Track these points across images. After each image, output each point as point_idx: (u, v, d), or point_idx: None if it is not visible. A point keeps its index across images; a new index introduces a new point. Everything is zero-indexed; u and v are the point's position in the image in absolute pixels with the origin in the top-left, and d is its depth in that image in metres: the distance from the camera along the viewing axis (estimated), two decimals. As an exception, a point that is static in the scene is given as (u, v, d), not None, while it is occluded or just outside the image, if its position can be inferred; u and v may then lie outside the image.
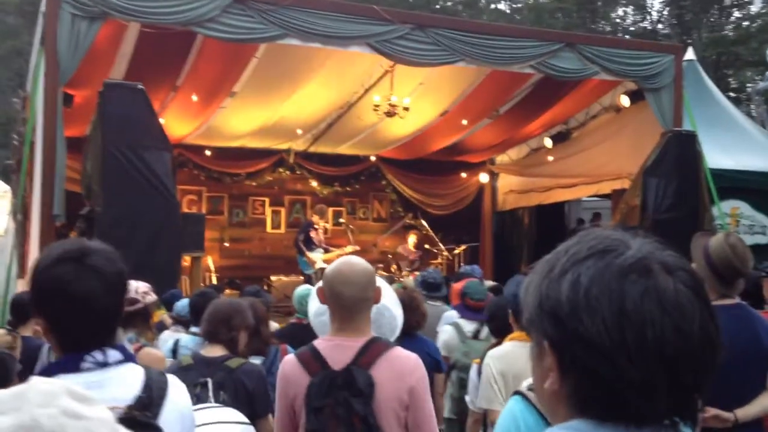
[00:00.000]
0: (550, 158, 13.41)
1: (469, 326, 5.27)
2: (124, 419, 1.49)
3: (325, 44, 8.72)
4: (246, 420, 2.81)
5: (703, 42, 26.66)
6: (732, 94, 24.68)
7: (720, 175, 10.18)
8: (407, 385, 2.59)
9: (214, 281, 11.93)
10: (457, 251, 13.53)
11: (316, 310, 3.61)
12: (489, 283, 7.96)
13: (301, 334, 4.72)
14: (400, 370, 2.61)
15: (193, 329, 4.75)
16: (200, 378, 3.19)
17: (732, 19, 29.60)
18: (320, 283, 2.80)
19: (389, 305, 3.13)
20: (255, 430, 2.96)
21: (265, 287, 11.48)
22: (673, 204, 9.44)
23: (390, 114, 11.02)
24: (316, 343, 2.73)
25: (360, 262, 2.78)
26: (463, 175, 15.44)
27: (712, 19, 29.66)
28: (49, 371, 1.75)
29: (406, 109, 11.03)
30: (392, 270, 12.94)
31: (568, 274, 0.99)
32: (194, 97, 10.96)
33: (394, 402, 2.57)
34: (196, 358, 3.44)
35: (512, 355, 3.69)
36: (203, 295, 4.84)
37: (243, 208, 14.31)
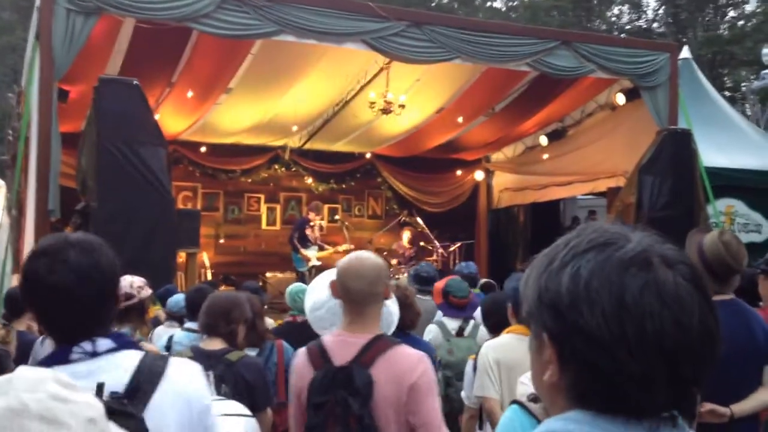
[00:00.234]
0: (546, 156, 13.41)
1: (452, 324, 5.27)
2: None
3: (321, 41, 8.71)
4: (249, 413, 2.81)
5: (698, 41, 26.74)
6: (727, 93, 24.75)
7: (715, 173, 10.20)
8: (407, 384, 2.56)
9: (209, 277, 11.93)
10: (452, 249, 13.54)
11: (312, 305, 3.61)
12: (483, 280, 7.97)
13: (296, 332, 4.72)
14: (401, 368, 2.58)
15: (188, 325, 4.74)
16: None
17: (727, 18, 29.69)
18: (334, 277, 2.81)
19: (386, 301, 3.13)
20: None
21: (260, 284, 11.46)
22: (669, 202, 9.45)
23: (386, 111, 11.02)
24: (325, 337, 2.73)
25: (370, 256, 2.79)
26: (459, 172, 15.45)
27: (707, 18, 29.75)
28: (42, 364, 1.77)
29: (402, 106, 11.02)
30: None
31: (568, 266, 1.00)
32: (189, 93, 10.93)
33: (393, 402, 2.55)
34: (196, 351, 3.44)
35: (509, 346, 3.74)
36: (199, 291, 4.83)
37: (238, 204, 14.29)
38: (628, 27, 31.71)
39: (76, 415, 0.85)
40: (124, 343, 1.83)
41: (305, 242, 11.79)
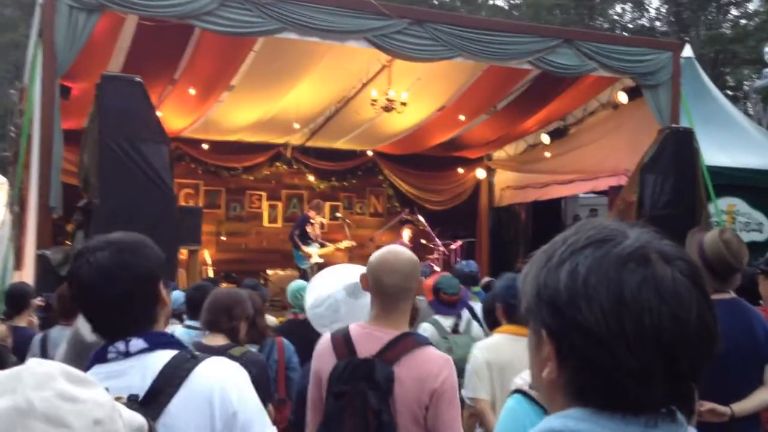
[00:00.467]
0: (547, 154, 13.40)
1: (446, 322, 5.23)
2: None
3: (323, 38, 8.71)
4: None
5: (700, 40, 26.70)
6: (729, 92, 24.73)
7: (717, 172, 10.18)
8: (430, 388, 2.54)
9: (211, 274, 11.92)
10: (453, 247, 13.53)
11: (312, 302, 3.62)
12: (485, 279, 7.97)
13: (298, 330, 4.73)
14: (425, 371, 2.56)
15: (188, 322, 4.75)
16: None
17: (729, 17, 29.65)
18: (365, 270, 2.77)
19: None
20: None
21: (262, 281, 11.47)
22: (670, 201, 9.44)
23: (387, 109, 11.01)
24: (352, 327, 2.71)
25: (405, 251, 2.76)
26: (460, 170, 15.43)
27: (709, 17, 29.70)
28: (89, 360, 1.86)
29: (404, 104, 11.02)
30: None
31: (566, 263, 1.00)
32: (192, 91, 10.93)
33: (413, 401, 2.53)
34: (199, 347, 3.45)
35: (499, 347, 3.73)
36: (199, 288, 4.83)
37: (240, 202, 14.29)
38: (630, 25, 31.67)
39: (83, 415, 0.85)
40: (158, 344, 1.83)
41: (306, 239, 11.80)
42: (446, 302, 5.27)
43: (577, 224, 1.07)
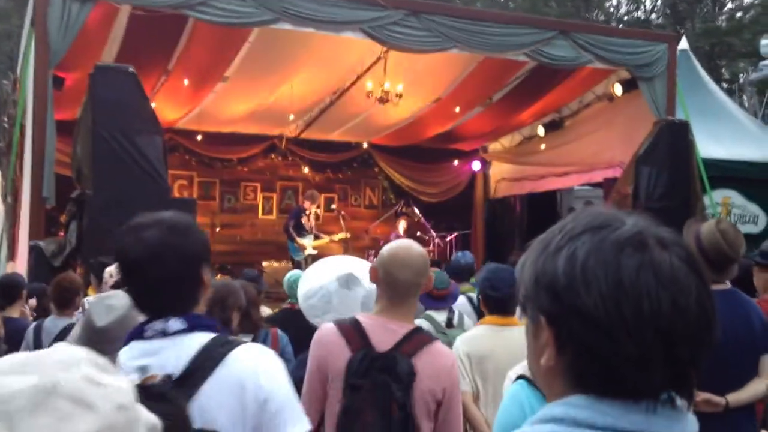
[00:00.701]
0: (543, 146, 13.41)
1: (440, 317, 5.22)
2: (140, 387, 1.48)
3: (319, 29, 8.68)
4: None
5: (696, 32, 26.70)
6: (725, 85, 24.74)
7: (712, 164, 10.21)
8: (443, 383, 2.59)
9: (205, 266, 11.89)
10: (448, 239, 13.53)
11: (305, 293, 3.62)
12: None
13: (294, 319, 4.73)
14: (440, 365, 2.61)
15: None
16: None
17: (725, 9, 29.66)
18: (374, 262, 2.78)
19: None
20: None
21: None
22: (665, 193, 9.45)
23: (383, 101, 10.98)
24: (361, 318, 2.70)
25: (416, 246, 2.77)
26: (456, 162, 15.44)
27: (705, 10, 29.71)
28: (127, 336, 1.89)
29: (399, 95, 10.99)
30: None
31: (564, 249, 0.99)
32: (186, 82, 10.89)
33: (428, 394, 2.56)
34: None
35: (479, 338, 3.84)
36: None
37: (234, 193, 14.27)
38: (626, 18, 31.68)
39: (108, 399, 0.85)
40: (196, 325, 1.84)
41: (301, 231, 11.78)
42: (436, 297, 5.27)
43: (574, 213, 1.06)
